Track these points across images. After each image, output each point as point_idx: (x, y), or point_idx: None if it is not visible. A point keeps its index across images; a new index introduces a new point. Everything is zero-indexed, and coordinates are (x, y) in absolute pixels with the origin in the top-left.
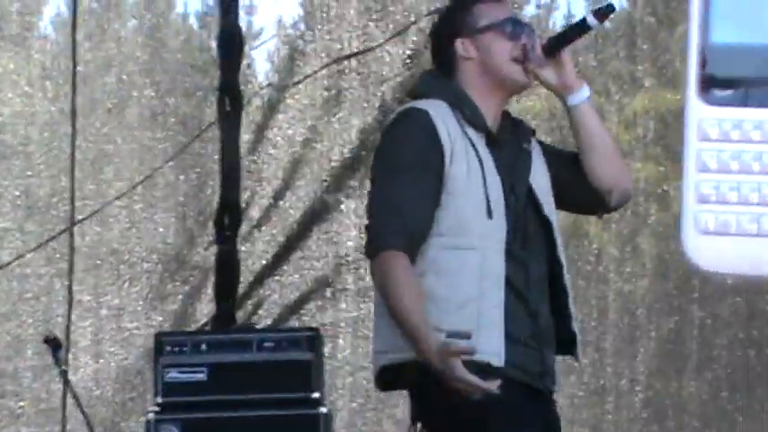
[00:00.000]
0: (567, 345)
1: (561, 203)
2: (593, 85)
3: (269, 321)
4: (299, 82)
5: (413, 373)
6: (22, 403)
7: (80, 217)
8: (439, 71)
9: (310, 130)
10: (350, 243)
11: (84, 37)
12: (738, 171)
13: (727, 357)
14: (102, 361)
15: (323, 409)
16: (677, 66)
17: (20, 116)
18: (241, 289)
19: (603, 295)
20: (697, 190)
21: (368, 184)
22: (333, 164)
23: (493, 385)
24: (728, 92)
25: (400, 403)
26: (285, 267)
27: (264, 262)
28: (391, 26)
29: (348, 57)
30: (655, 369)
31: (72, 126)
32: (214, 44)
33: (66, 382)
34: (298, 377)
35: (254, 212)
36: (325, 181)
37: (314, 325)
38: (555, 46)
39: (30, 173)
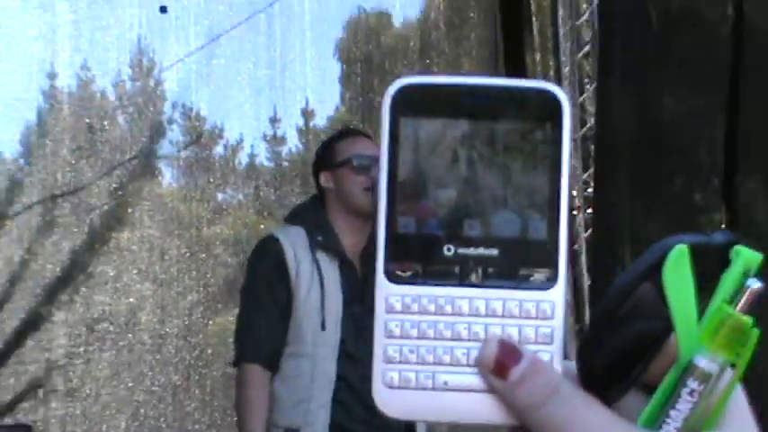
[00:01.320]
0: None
1: None
2: None
3: None
4: (19, 213)
5: None
6: None
7: None
8: (316, 197)
9: (27, 251)
10: (60, 350)
11: None
12: (417, 337)
13: None
14: None
15: None
16: None
17: None
18: None
19: None
20: (384, 353)
21: (76, 297)
22: (46, 280)
23: None
24: (409, 273)
25: None
26: (2, 371)
27: None
28: (99, 162)
29: (63, 195)
30: None
31: None
32: None
33: None
34: None
35: None
36: (39, 295)
37: (27, 422)
38: None
39: None
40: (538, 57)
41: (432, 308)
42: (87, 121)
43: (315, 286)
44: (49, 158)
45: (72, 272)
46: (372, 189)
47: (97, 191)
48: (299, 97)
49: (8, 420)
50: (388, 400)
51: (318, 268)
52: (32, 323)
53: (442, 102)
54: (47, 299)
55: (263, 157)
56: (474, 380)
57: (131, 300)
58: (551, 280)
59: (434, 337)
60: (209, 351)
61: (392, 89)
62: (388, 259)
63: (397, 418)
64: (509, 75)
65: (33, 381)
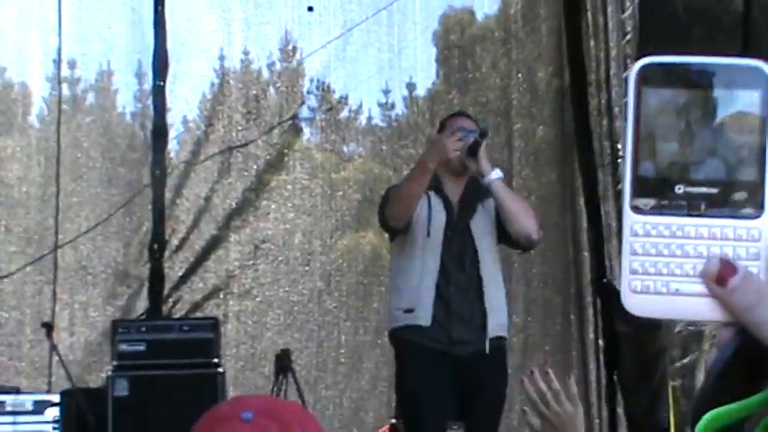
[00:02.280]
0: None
1: (502, 240)
2: None
3: (183, 312)
4: (203, 161)
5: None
6: (23, 364)
7: (61, 244)
8: None
9: (209, 190)
10: (236, 262)
11: (62, 126)
12: (654, 255)
13: None
14: (74, 337)
15: (220, 370)
16: None
17: (22, 179)
18: (165, 292)
19: None
20: (630, 266)
21: (246, 224)
22: (224, 211)
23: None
24: (648, 206)
25: (266, 363)
26: (193, 278)
27: (180, 275)
28: (262, 123)
29: (237, 147)
30: None
31: (56, 185)
32: (144, 130)
33: (54, 348)
34: (204, 349)
35: (174, 242)
36: (219, 222)
37: (213, 316)
38: (470, 151)
39: (29, 215)
40: (592, 42)
41: (666, 233)
42: (254, 92)
43: (424, 211)
44: (225, 120)
45: (243, 205)
46: (459, 151)
47: (261, 144)
48: (407, 74)
49: (199, 314)
50: (633, 302)
51: (429, 200)
52: (214, 243)
53: (675, 75)
54: (225, 225)
55: (378, 119)
56: (699, 288)
57: (286, 225)
58: (759, 211)
59: (668, 255)
60: (344, 263)
61: (637, 66)
62: (632, 195)
63: (641, 316)
64: (570, 56)
65: (216, 286)
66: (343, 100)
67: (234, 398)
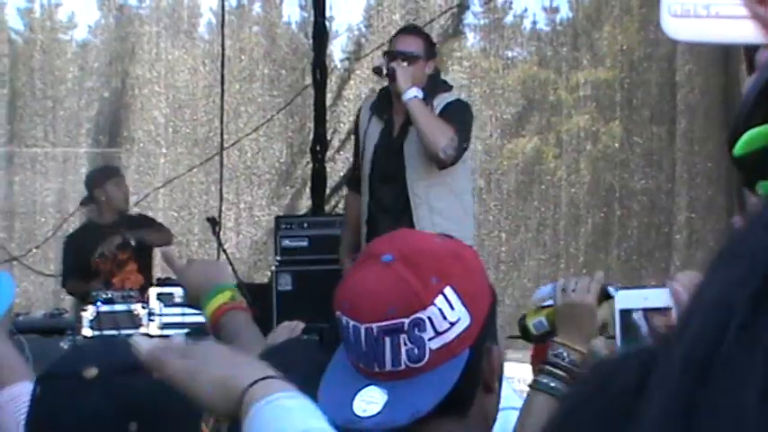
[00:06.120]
0: None
1: None
2: None
3: None
4: (364, 56)
5: None
6: None
7: (226, 146)
8: None
9: (369, 90)
10: None
11: (227, 35)
12: None
13: None
14: (241, 235)
15: None
16: None
17: (189, 83)
18: (327, 191)
19: None
20: None
21: None
22: None
23: None
24: None
25: None
26: None
27: (341, 174)
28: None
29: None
30: None
31: (221, 89)
32: (308, 38)
33: (220, 245)
34: None
35: (335, 143)
36: None
37: None
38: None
39: (195, 118)
40: None
41: None
42: None
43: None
44: (384, 23)
45: None
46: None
47: None
48: None
49: None
50: (673, 26)
51: (368, 125)
52: None
53: None
54: None
55: (542, 24)
56: (740, 9)
57: None
58: None
59: None
60: (505, 163)
61: None
62: None
63: (681, 40)
64: None
65: None
66: (508, 4)
67: (394, 233)
